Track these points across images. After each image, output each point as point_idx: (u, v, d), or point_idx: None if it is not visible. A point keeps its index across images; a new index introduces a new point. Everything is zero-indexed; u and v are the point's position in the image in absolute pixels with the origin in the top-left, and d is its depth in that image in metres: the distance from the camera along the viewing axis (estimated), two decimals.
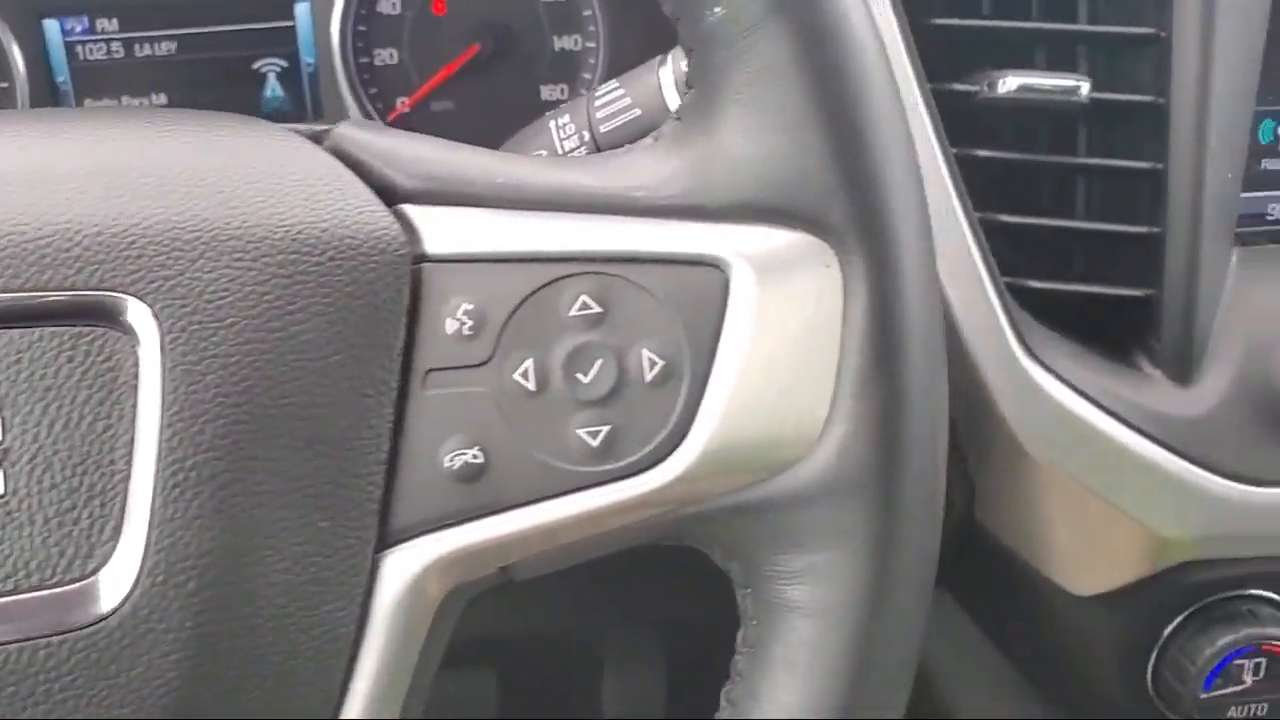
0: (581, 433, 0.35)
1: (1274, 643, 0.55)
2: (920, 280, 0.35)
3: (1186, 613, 0.56)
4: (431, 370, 0.35)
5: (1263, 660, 0.56)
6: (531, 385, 0.35)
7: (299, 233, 0.34)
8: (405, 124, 0.71)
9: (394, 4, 0.70)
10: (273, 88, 0.70)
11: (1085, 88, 0.53)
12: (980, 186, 0.55)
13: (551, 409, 0.35)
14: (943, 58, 0.55)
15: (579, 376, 0.35)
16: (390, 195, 0.36)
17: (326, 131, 0.38)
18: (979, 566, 0.61)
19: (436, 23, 0.70)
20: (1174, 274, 0.54)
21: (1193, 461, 0.54)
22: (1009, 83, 0.53)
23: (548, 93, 0.72)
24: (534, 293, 0.35)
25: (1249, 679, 0.56)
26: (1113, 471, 0.54)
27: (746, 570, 0.37)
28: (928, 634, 0.67)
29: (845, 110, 0.34)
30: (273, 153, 0.36)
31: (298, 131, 0.38)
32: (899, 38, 0.53)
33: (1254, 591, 0.56)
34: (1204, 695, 0.56)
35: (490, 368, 0.35)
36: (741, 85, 0.34)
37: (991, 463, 0.56)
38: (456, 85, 0.71)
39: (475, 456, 0.34)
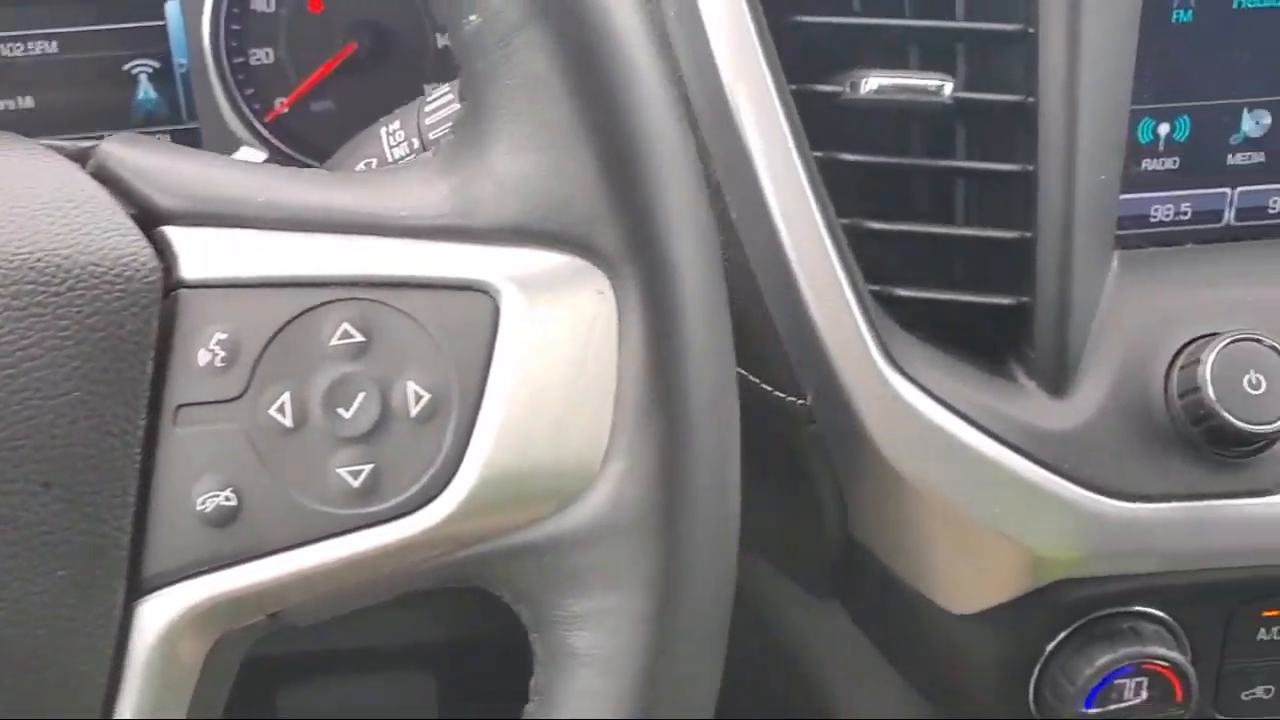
0: (342, 472, 0.33)
1: (1155, 661, 0.53)
2: (702, 307, 0.33)
3: (1068, 630, 0.54)
4: (182, 406, 0.32)
5: (1144, 679, 0.54)
6: (288, 421, 0.33)
7: (38, 260, 0.32)
8: (284, 125, 0.68)
9: (268, 1, 0.67)
10: (145, 90, 0.68)
11: (949, 87, 0.50)
12: (852, 192, 0.53)
13: (310, 447, 0.33)
14: (812, 58, 0.53)
15: (339, 411, 0.33)
16: (150, 217, 0.34)
17: (93, 148, 0.36)
18: (860, 581, 0.59)
19: (313, 21, 0.68)
20: (1046, 280, 0.52)
21: (1066, 476, 0.51)
22: (870, 83, 0.51)
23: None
24: (291, 320, 0.33)
25: (1131, 697, 0.54)
26: (983, 488, 0.52)
27: (533, 614, 0.35)
28: (820, 643, 0.65)
29: (614, 126, 0.32)
30: (22, 174, 0.34)
31: (60, 149, 0.35)
32: (755, 36, 0.51)
33: (1138, 608, 0.55)
34: (1086, 712, 0.54)
35: (244, 402, 0.32)
36: (504, 99, 0.32)
37: (861, 480, 0.54)
38: (336, 85, 0.68)
39: (228, 499, 0.32)
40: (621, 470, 0.32)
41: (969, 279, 0.53)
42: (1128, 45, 0.51)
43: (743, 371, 0.47)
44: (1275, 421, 0.49)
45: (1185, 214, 0.56)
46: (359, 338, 0.33)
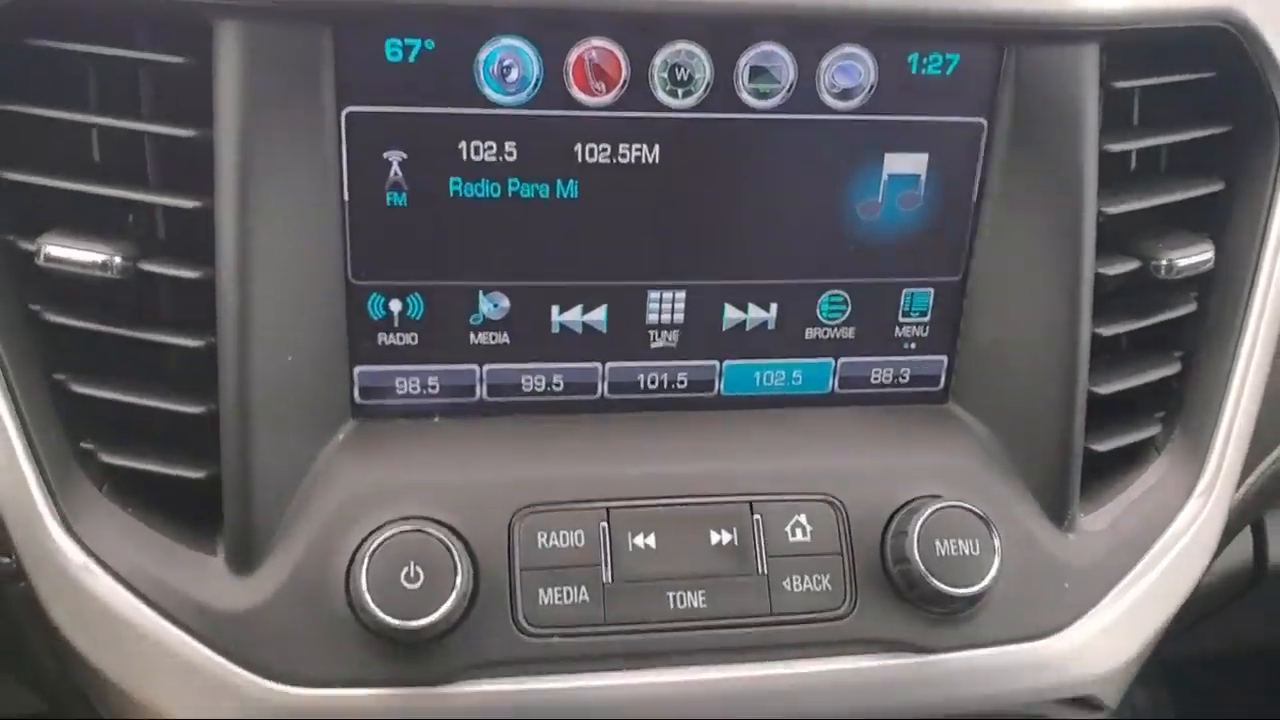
0: None
1: None
2: None
3: None
4: None
5: None
6: None
7: None
8: None
9: None
10: None
11: (118, 260, 0.49)
12: (65, 348, 0.51)
13: None
14: (17, 212, 0.51)
15: None
16: None
17: None
18: None
19: None
20: (229, 454, 0.50)
21: (235, 659, 0.50)
22: (48, 249, 0.49)
23: None
24: None
25: None
26: (148, 669, 0.50)
27: None
28: None
29: None
30: None
31: None
32: None
33: None
34: None
35: None
36: None
37: (61, 641, 0.52)
38: None
39: None
40: None
41: (166, 449, 0.52)
42: (326, 223, 0.51)
43: None
44: None
45: (434, 388, 0.56)
46: None
